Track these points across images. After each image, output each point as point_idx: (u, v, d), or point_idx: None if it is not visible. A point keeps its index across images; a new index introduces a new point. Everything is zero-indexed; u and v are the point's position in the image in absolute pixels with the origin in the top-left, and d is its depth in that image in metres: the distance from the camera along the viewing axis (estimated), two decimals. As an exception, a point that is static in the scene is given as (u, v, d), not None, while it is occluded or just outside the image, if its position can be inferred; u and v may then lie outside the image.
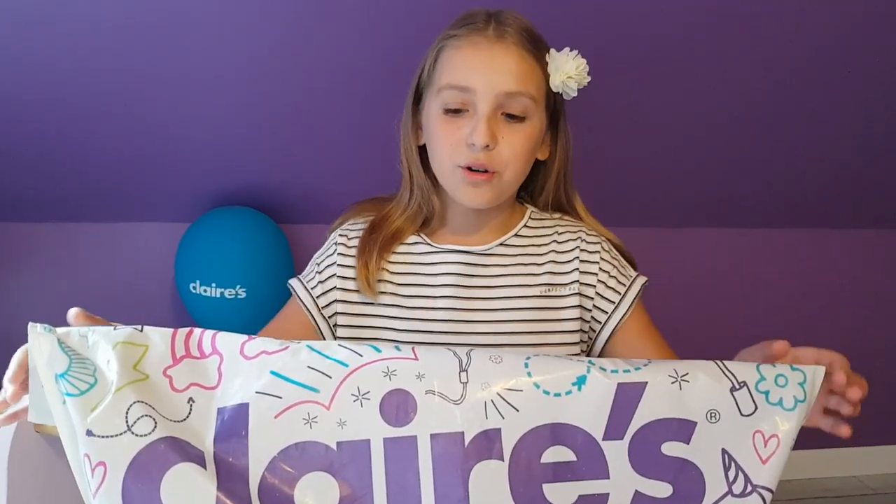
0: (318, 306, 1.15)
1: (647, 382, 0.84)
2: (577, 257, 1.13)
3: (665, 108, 2.04)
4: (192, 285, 2.02)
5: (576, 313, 1.11)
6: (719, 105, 2.04)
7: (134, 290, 2.24)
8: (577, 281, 1.12)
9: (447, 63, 1.08)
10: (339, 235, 1.18)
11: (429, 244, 1.16)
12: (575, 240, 1.14)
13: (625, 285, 1.13)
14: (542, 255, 1.14)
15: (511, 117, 1.06)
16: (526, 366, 0.85)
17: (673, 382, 0.84)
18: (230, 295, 2.00)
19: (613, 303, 1.11)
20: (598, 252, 1.13)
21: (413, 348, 0.87)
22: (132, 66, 1.78)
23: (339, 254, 1.16)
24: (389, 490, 0.80)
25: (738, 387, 0.84)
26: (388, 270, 1.14)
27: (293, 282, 1.20)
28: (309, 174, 2.16)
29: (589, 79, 1.08)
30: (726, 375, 0.84)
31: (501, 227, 1.16)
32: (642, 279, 1.15)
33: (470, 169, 1.05)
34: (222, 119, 1.96)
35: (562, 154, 1.16)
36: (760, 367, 0.85)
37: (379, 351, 0.86)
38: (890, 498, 2.60)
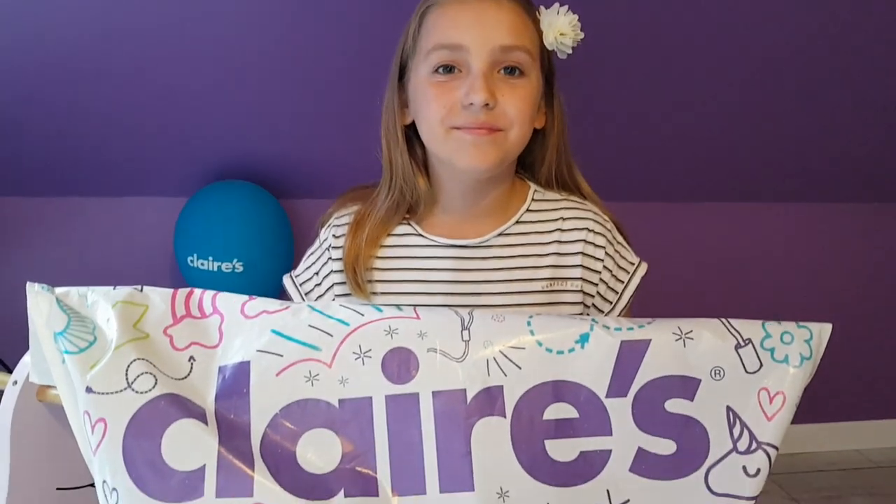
0: None
1: (650, 340, 0.83)
2: (582, 251, 1.07)
3: (669, 84, 2.02)
4: (189, 259, 2.02)
5: (578, 309, 1.07)
6: (724, 80, 2.03)
7: (133, 264, 2.24)
8: (581, 278, 1.07)
9: (434, 25, 1.01)
10: (333, 237, 1.11)
11: (421, 235, 1.09)
12: (581, 230, 1.07)
13: (623, 282, 1.08)
14: (545, 244, 1.07)
15: (509, 73, 0.99)
16: (528, 324, 0.84)
17: (677, 340, 0.83)
18: (227, 269, 2.00)
19: (611, 302, 1.08)
20: (605, 247, 1.07)
21: (415, 308, 0.86)
22: (129, 41, 1.77)
23: (332, 259, 1.10)
24: (392, 446, 0.79)
25: (742, 344, 0.83)
26: (378, 268, 1.08)
27: (288, 286, 1.16)
28: (309, 149, 2.15)
29: (582, 35, 1.02)
30: (731, 333, 0.84)
31: (501, 211, 1.08)
32: (642, 271, 1.10)
33: (470, 127, 0.98)
34: (222, 93, 1.96)
35: (559, 120, 1.09)
36: (766, 325, 0.84)
37: (380, 310, 0.85)
38: (892, 471, 2.61)
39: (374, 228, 1.08)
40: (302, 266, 1.16)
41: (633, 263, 1.10)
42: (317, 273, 1.13)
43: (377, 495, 0.78)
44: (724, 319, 0.85)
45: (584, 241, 1.07)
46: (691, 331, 0.84)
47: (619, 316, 1.07)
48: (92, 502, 0.81)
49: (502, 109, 0.98)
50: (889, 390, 2.72)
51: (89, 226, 2.26)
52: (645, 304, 1.10)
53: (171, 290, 0.86)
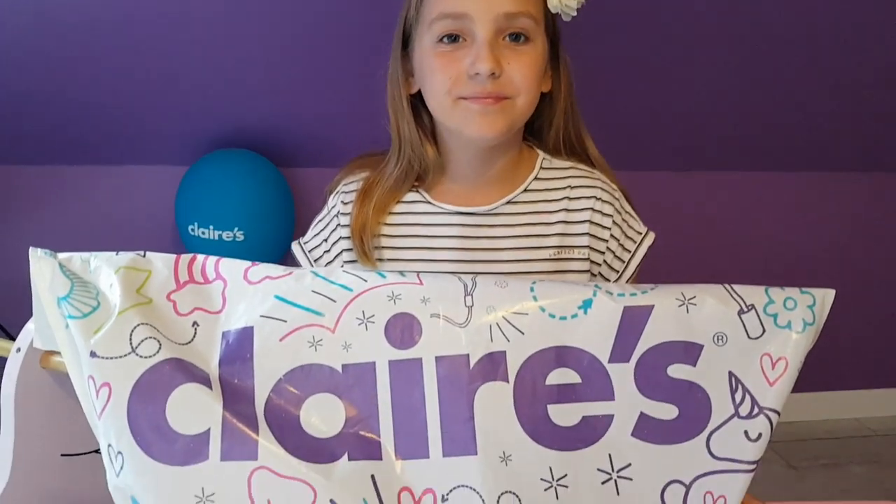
0: None
1: (653, 305, 0.83)
2: (590, 220, 1.07)
3: (670, 50, 2.01)
4: (190, 228, 2.02)
5: (585, 277, 1.07)
6: (719, 45, 2.02)
7: (133, 233, 2.24)
8: (589, 246, 1.07)
9: None
10: (342, 203, 1.11)
11: (429, 202, 1.09)
12: (589, 198, 1.07)
13: (629, 251, 1.08)
14: (553, 212, 1.07)
15: (514, 40, 0.98)
16: (532, 290, 0.84)
17: (680, 305, 0.83)
18: (228, 238, 2.00)
19: (617, 271, 1.08)
20: (612, 215, 1.07)
21: (417, 274, 0.86)
22: (129, 8, 1.76)
23: (341, 226, 1.10)
24: (395, 411, 0.79)
25: (746, 310, 0.83)
26: (385, 235, 1.08)
27: (297, 252, 1.16)
28: (310, 117, 2.15)
29: None
30: (734, 298, 0.84)
31: (509, 179, 1.08)
32: (649, 240, 1.10)
33: (477, 97, 0.97)
34: (223, 61, 1.95)
35: (566, 83, 1.08)
36: (769, 290, 0.84)
37: (384, 276, 0.85)
38: (890, 440, 2.63)
39: (383, 197, 1.08)
40: (311, 233, 1.16)
41: (640, 233, 1.10)
42: (325, 240, 1.13)
43: (380, 459, 0.78)
44: (727, 285, 0.85)
45: (592, 209, 1.07)
46: (694, 297, 0.84)
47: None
48: (97, 468, 0.82)
49: (509, 77, 0.98)
50: (889, 359, 2.73)
51: (91, 195, 2.25)
52: (647, 276, 1.10)
53: (174, 256, 0.86)
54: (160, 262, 0.85)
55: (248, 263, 0.86)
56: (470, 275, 0.87)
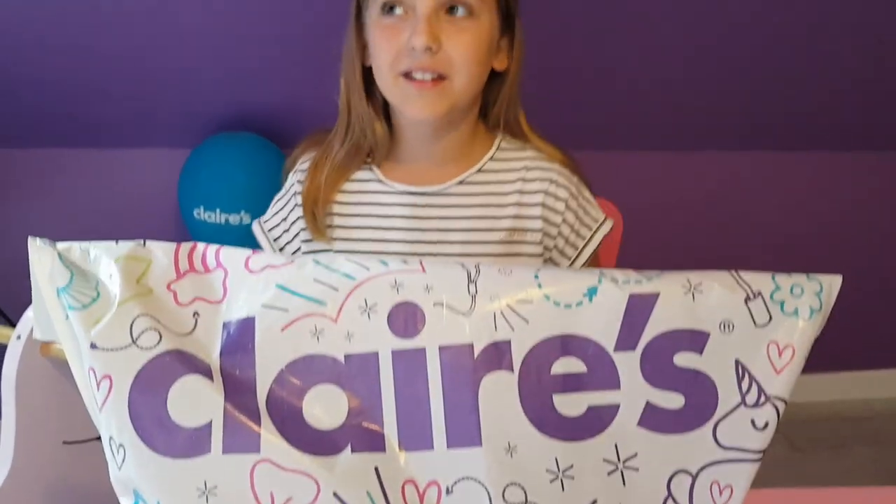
0: None
1: (659, 293, 0.82)
2: (543, 203, 1.05)
3: (655, 23, 1.98)
4: (196, 211, 2.02)
5: (537, 262, 1.06)
6: (715, 22, 1.99)
7: (138, 216, 2.24)
8: (542, 230, 1.06)
9: None
10: (298, 183, 1.10)
11: (381, 181, 1.08)
12: (544, 181, 1.06)
13: (584, 238, 1.07)
14: (507, 194, 1.06)
15: (453, 14, 0.96)
16: (536, 277, 0.83)
17: (686, 293, 0.82)
18: (234, 221, 2.00)
19: (570, 258, 1.07)
20: (566, 200, 1.06)
21: (420, 261, 0.85)
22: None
23: (298, 205, 1.10)
24: (398, 401, 0.79)
25: (752, 297, 0.82)
26: (338, 214, 1.08)
27: (257, 232, 1.16)
28: (313, 99, 2.11)
29: None
30: (741, 285, 0.83)
31: (463, 158, 1.07)
32: (606, 228, 1.08)
33: (415, 79, 0.97)
34: (225, 42, 1.93)
35: (516, 63, 1.06)
36: (776, 277, 0.83)
37: (386, 264, 0.85)
38: (896, 420, 2.63)
39: (333, 172, 1.07)
40: (270, 212, 1.16)
41: (597, 220, 1.09)
42: (284, 219, 1.12)
43: (384, 451, 0.78)
44: (733, 272, 0.84)
45: (546, 192, 1.06)
46: (700, 283, 0.83)
47: None
48: (98, 456, 0.81)
49: (446, 54, 0.96)
50: (894, 339, 2.73)
51: (94, 178, 2.25)
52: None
53: (174, 245, 0.85)
54: (160, 252, 0.84)
55: (249, 252, 0.86)
56: (473, 261, 0.86)
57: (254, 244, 2.00)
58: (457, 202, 1.06)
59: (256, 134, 2.16)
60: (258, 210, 2.01)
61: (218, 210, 2.00)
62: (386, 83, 1.00)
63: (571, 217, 1.06)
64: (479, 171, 1.07)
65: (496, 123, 1.10)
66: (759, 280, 0.83)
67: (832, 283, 0.83)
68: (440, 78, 0.97)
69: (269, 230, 1.15)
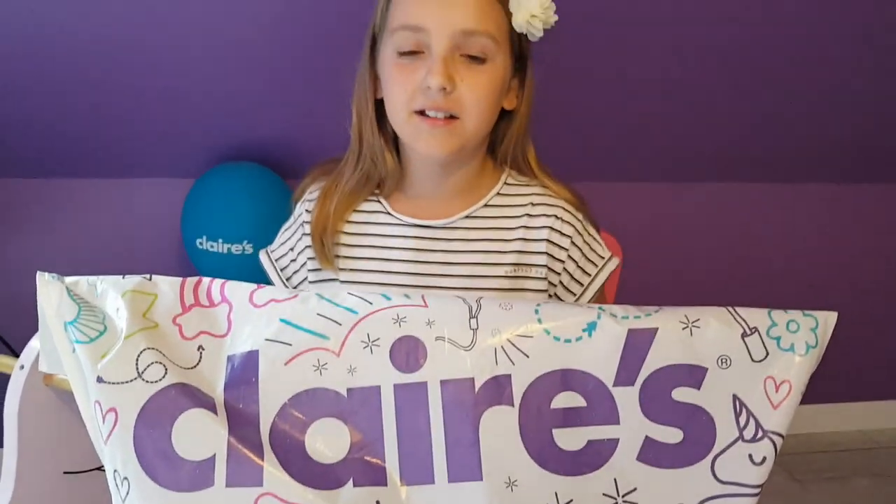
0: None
1: (657, 328, 0.83)
2: (548, 238, 1.06)
3: (655, 58, 2.01)
4: (198, 241, 2.02)
5: (542, 297, 1.06)
6: (711, 54, 2.01)
7: (141, 246, 2.24)
8: (546, 266, 1.06)
9: (400, 3, 1.00)
10: (306, 212, 1.11)
11: (388, 213, 1.09)
12: (549, 216, 1.06)
13: (589, 275, 1.07)
14: (512, 229, 1.07)
15: (471, 59, 0.98)
16: (536, 312, 0.84)
17: (684, 328, 0.83)
18: (237, 251, 2.00)
19: (574, 294, 1.07)
20: (571, 236, 1.06)
21: (423, 296, 0.86)
22: (138, 20, 1.77)
23: (306, 234, 1.10)
24: (400, 435, 0.80)
25: (749, 332, 0.83)
26: (344, 244, 1.09)
27: (264, 262, 1.16)
28: (315, 129, 2.14)
29: (556, 17, 0.99)
30: (737, 321, 0.84)
31: (471, 193, 1.08)
32: (612, 266, 1.09)
33: (428, 116, 0.98)
34: (228, 74, 1.95)
35: (526, 101, 1.07)
36: (772, 313, 0.84)
37: (389, 298, 0.86)
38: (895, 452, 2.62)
39: (342, 201, 1.08)
40: (277, 241, 1.17)
41: (602, 257, 1.09)
42: (292, 249, 1.13)
43: (385, 485, 0.78)
44: (730, 308, 0.85)
45: (551, 227, 1.06)
46: (698, 319, 0.84)
47: None
48: (99, 486, 0.82)
49: (460, 94, 0.98)
50: (893, 370, 2.73)
51: (98, 208, 2.25)
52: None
53: (179, 279, 0.86)
54: (166, 286, 0.85)
55: (254, 286, 0.87)
56: (475, 295, 0.87)
57: (256, 273, 2.02)
58: (462, 236, 1.06)
59: (259, 164, 2.17)
60: (260, 239, 2.02)
61: (220, 240, 2.01)
62: (399, 120, 1.02)
63: (577, 253, 1.07)
64: (486, 205, 1.08)
65: (504, 159, 1.11)
66: (756, 316, 0.84)
67: (828, 320, 0.84)
68: (452, 117, 0.99)
69: (277, 259, 1.16)
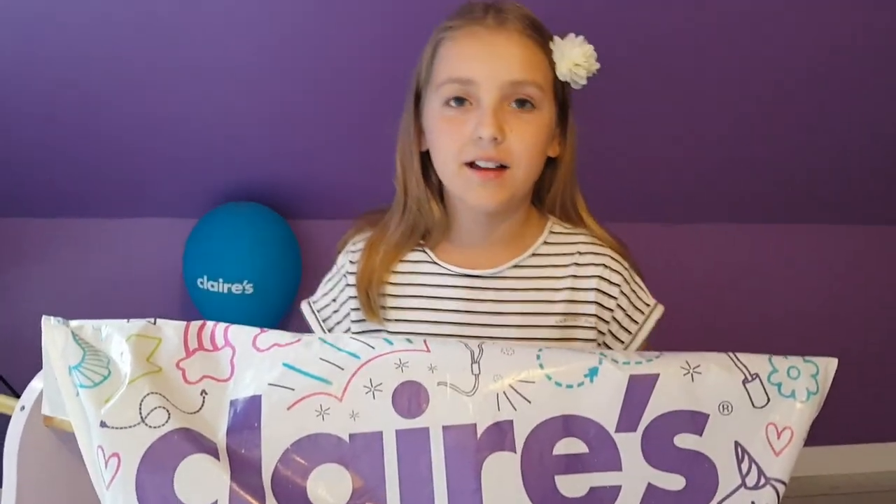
0: None
1: (659, 374, 0.84)
2: (597, 287, 1.05)
3: (672, 103, 2.03)
4: (199, 280, 2.03)
5: (591, 346, 1.06)
6: (725, 102, 2.04)
7: (142, 285, 2.24)
8: (596, 315, 1.05)
9: (446, 56, 1.02)
10: (349, 263, 1.11)
11: (435, 262, 1.09)
12: (598, 265, 1.06)
13: (637, 323, 1.07)
14: (560, 278, 1.06)
15: (520, 106, 0.99)
16: (538, 357, 0.85)
17: (685, 374, 0.84)
18: (237, 290, 2.01)
19: (623, 342, 1.07)
20: (620, 285, 1.06)
21: (425, 340, 0.87)
22: (140, 61, 1.78)
23: (349, 285, 1.10)
24: (402, 482, 0.79)
25: (750, 378, 0.84)
26: (390, 294, 1.08)
27: (307, 313, 1.16)
28: (317, 169, 2.16)
29: (598, 65, 1.01)
30: (738, 367, 0.84)
31: (516, 242, 1.08)
32: (658, 314, 1.08)
33: (479, 168, 0.99)
34: (231, 115, 1.96)
35: (570, 149, 1.08)
36: (773, 359, 0.85)
37: (391, 343, 0.86)
38: (898, 495, 2.60)
39: (388, 252, 1.09)
40: (319, 292, 1.16)
41: (648, 305, 1.09)
42: (334, 300, 1.13)
43: None
44: (731, 354, 0.86)
45: (600, 276, 1.06)
46: (699, 365, 0.84)
47: None
48: (99, 530, 0.82)
49: (510, 145, 0.98)
50: (894, 413, 2.72)
51: (100, 247, 2.25)
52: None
53: (183, 323, 0.87)
54: (170, 330, 0.86)
55: (257, 330, 0.87)
56: (476, 341, 0.87)
57: (255, 313, 2.02)
58: (511, 285, 1.06)
59: (262, 204, 2.18)
60: (261, 280, 2.04)
61: (220, 279, 2.01)
62: (449, 172, 1.02)
63: (625, 302, 1.06)
64: (533, 254, 1.08)
65: (552, 207, 1.11)
66: (757, 362, 0.85)
67: (828, 366, 0.85)
68: (502, 167, 0.99)
69: (319, 310, 1.15)
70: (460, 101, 1.00)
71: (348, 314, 1.11)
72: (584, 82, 1.02)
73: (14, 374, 1.87)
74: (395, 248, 1.09)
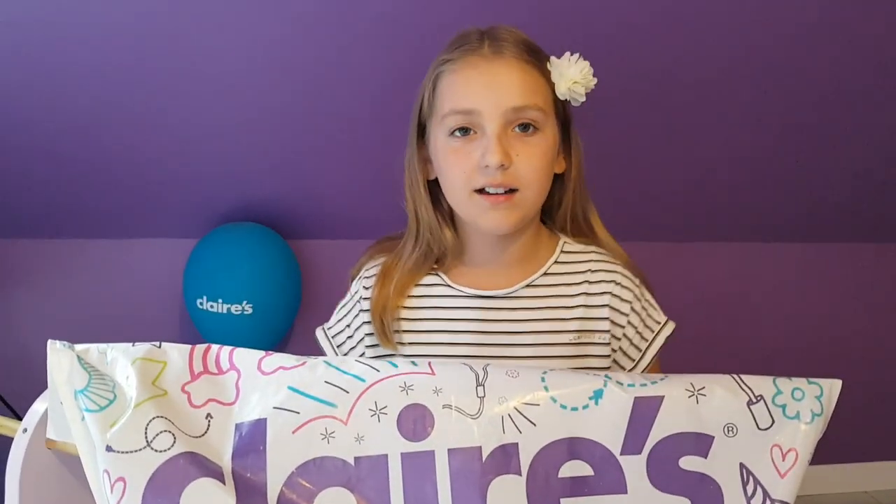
0: None
1: (663, 396, 0.84)
2: (609, 304, 1.07)
3: (676, 122, 2.05)
4: (199, 301, 2.03)
5: (605, 363, 1.07)
6: (728, 118, 2.06)
7: (142, 306, 2.24)
8: (609, 332, 1.07)
9: (447, 89, 1.04)
10: (363, 289, 1.12)
11: (448, 285, 1.10)
12: (609, 282, 1.08)
13: (647, 340, 1.08)
14: (573, 296, 1.08)
15: (523, 130, 1.01)
16: (543, 380, 0.85)
17: (690, 396, 0.84)
18: (237, 311, 2.01)
19: (633, 359, 1.08)
20: (631, 302, 1.08)
21: (429, 363, 0.87)
22: (138, 83, 1.79)
23: (363, 311, 1.12)
24: None
25: (755, 400, 0.84)
26: (405, 318, 1.09)
27: (321, 339, 1.17)
28: (317, 190, 2.17)
29: (595, 80, 1.03)
30: (743, 389, 0.84)
31: (529, 261, 1.10)
32: (668, 330, 1.09)
33: (488, 193, 1.00)
34: (230, 135, 1.97)
35: (576, 164, 1.10)
36: (777, 381, 0.85)
37: (396, 366, 0.86)
38: (900, 513, 2.59)
39: (402, 278, 1.10)
40: (334, 318, 1.17)
41: (659, 322, 1.10)
42: (349, 325, 1.14)
43: None
44: (735, 375, 0.86)
45: (611, 293, 1.07)
46: (704, 387, 0.84)
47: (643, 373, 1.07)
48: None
49: (517, 169, 1.00)
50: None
51: (99, 268, 2.26)
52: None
53: (188, 347, 0.87)
54: (175, 353, 0.86)
55: (262, 353, 0.87)
56: (482, 363, 0.87)
57: (254, 333, 2.02)
58: (525, 305, 1.07)
59: (261, 224, 2.19)
60: (260, 300, 2.04)
61: (220, 300, 2.01)
62: (460, 199, 1.04)
63: (636, 319, 1.08)
64: (545, 273, 1.09)
65: (563, 223, 1.13)
66: (761, 384, 0.85)
67: (832, 388, 0.85)
68: (512, 191, 1.01)
69: (333, 336, 1.16)
70: (465, 130, 1.02)
71: (362, 339, 1.12)
72: (583, 99, 1.04)
73: (15, 396, 1.87)
74: (410, 273, 1.10)
